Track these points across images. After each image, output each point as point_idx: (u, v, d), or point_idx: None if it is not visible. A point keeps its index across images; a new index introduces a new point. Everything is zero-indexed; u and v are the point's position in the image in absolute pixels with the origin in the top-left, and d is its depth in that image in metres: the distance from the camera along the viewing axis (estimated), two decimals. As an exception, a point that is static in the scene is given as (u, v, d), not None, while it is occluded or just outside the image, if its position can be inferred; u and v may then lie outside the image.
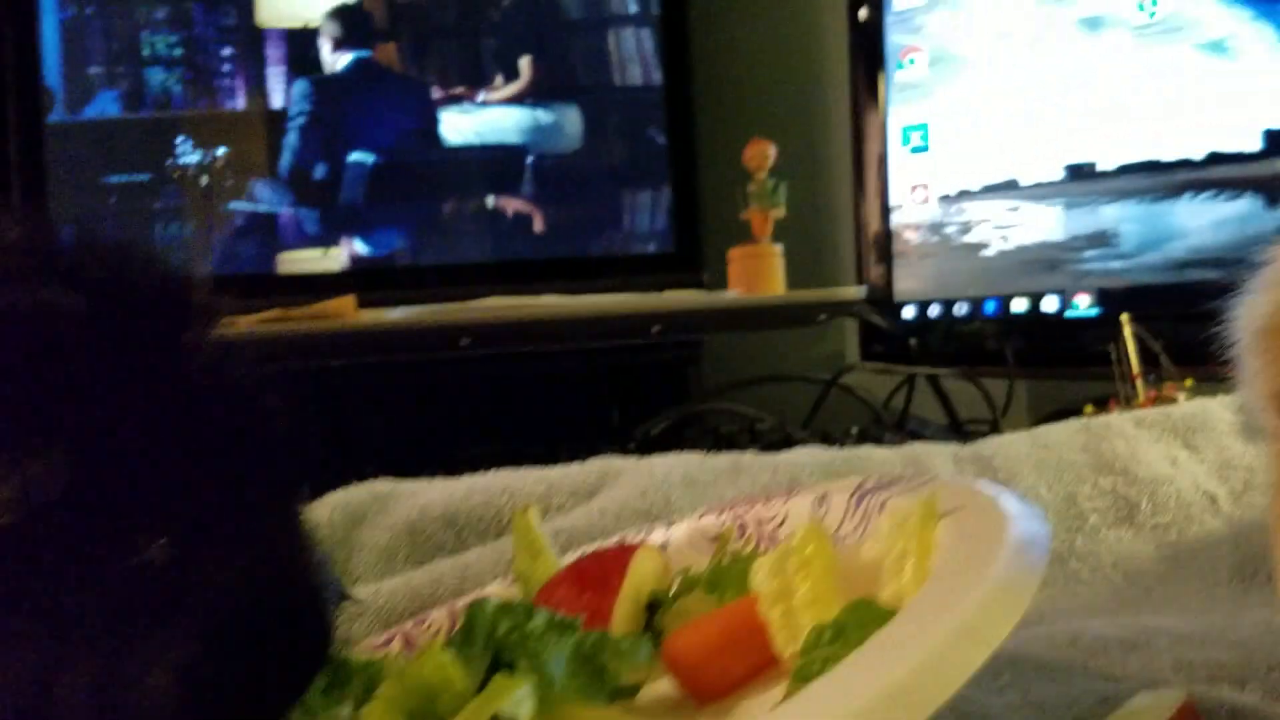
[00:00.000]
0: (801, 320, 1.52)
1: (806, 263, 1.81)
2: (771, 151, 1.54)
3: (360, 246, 1.94)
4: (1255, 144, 1.37)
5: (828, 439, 1.38)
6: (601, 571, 0.61)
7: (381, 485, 0.97)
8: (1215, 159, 1.40)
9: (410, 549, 0.90)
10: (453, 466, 0.98)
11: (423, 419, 1.66)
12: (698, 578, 0.60)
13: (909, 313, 1.77)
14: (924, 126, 1.74)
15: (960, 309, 1.69)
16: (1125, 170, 1.50)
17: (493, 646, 0.48)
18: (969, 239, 1.70)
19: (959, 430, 1.64)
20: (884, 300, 1.78)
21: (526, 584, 0.65)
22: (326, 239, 1.93)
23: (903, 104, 1.76)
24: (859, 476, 0.67)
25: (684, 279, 1.76)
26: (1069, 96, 1.58)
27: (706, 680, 0.50)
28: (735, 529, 0.70)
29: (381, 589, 0.82)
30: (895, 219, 1.77)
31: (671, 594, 0.61)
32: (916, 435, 1.50)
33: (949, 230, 1.72)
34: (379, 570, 0.89)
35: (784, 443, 1.19)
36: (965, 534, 0.46)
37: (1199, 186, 1.42)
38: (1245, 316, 0.56)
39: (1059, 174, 1.58)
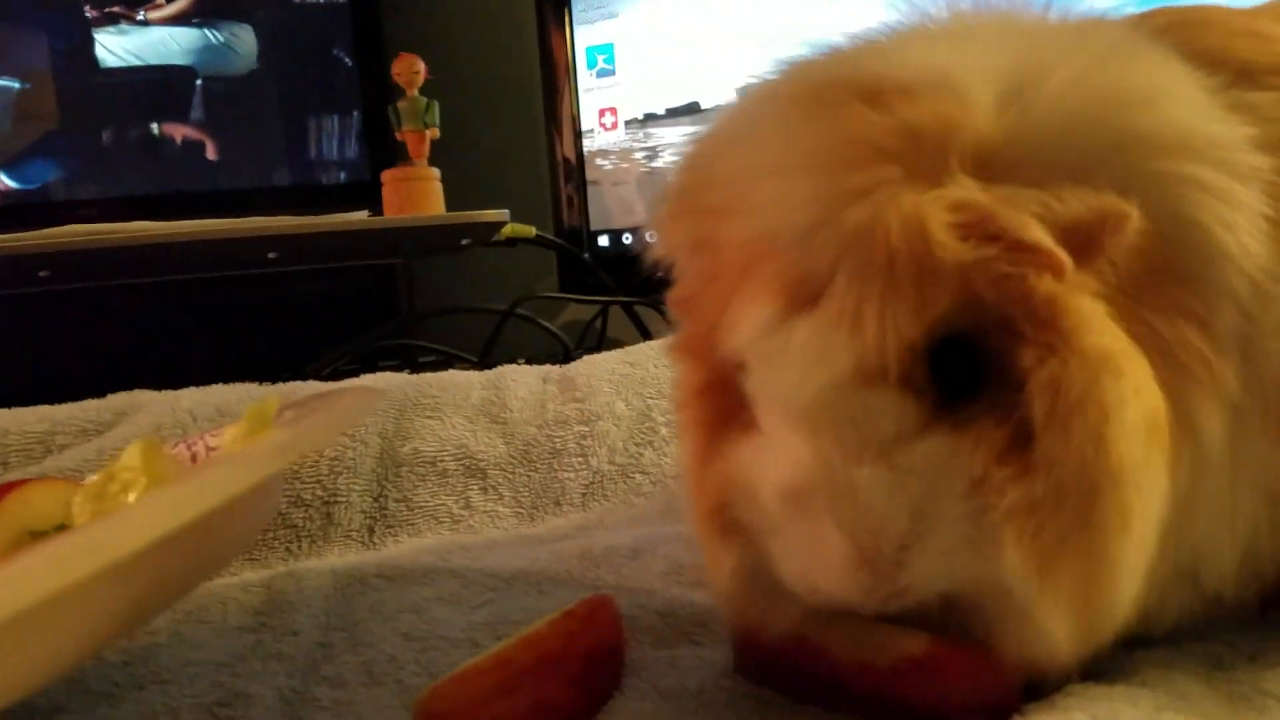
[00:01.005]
0: (447, 245, 1.46)
1: (501, 191, 1.75)
2: (421, 67, 1.46)
3: (6, 180, 1.78)
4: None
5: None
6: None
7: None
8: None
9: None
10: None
11: (85, 352, 1.52)
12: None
13: (604, 241, 1.74)
14: (609, 48, 1.70)
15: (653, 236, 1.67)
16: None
17: None
18: (657, 165, 1.67)
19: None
20: (577, 230, 1.74)
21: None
22: (-31, 173, 1.76)
23: (587, 25, 1.71)
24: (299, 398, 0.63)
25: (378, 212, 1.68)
26: (751, 16, 1.56)
27: None
28: (188, 456, 0.65)
29: None
30: (586, 145, 1.73)
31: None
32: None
33: (637, 156, 1.69)
34: None
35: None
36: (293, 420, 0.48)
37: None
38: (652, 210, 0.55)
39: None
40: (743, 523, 0.50)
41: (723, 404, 0.51)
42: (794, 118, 0.48)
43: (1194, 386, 0.48)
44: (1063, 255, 0.43)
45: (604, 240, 1.74)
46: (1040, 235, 0.43)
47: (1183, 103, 0.52)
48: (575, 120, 1.71)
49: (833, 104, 0.47)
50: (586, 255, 1.74)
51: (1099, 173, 0.47)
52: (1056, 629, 0.45)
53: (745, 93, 0.54)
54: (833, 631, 0.52)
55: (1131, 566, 0.45)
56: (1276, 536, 0.56)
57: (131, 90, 1.77)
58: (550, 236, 1.67)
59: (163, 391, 0.92)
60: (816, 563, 0.46)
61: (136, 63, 1.78)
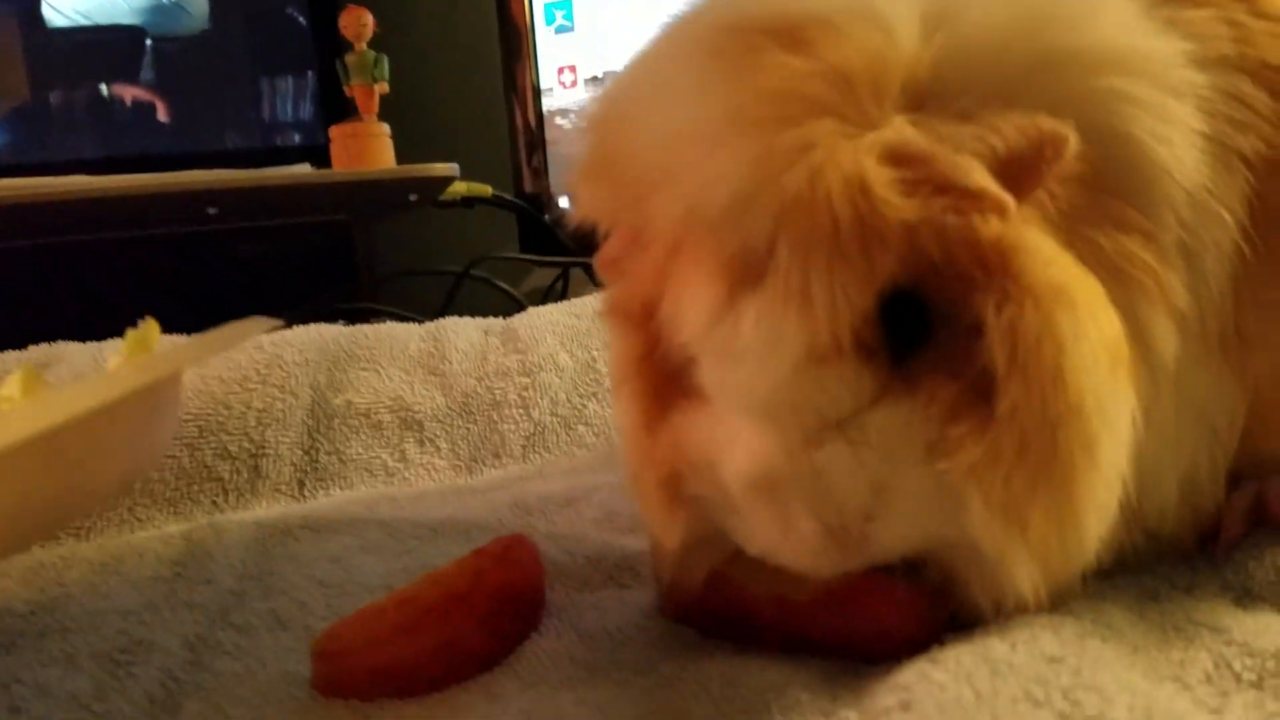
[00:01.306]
0: (395, 201, 1.42)
1: (461, 153, 1.72)
2: (369, 19, 1.43)
3: (-52, 143, 1.73)
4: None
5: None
6: None
7: None
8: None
9: None
10: None
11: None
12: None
13: (566, 203, 1.71)
14: (568, 4, 1.67)
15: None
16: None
17: None
18: (618, 123, 1.64)
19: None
20: (537, 193, 1.71)
21: None
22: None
23: (546, -20, 1.68)
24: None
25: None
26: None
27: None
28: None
29: None
30: (546, 104, 1.70)
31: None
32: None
33: (598, 114, 1.66)
34: None
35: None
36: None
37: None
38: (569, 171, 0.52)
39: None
40: (694, 496, 0.48)
41: (664, 370, 0.48)
42: (708, 71, 0.45)
43: (1144, 300, 0.47)
44: (1006, 196, 0.41)
45: (565, 202, 1.71)
46: (983, 179, 0.41)
47: (1114, 19, 0.49)
48: (534, 79, 1.68)
49: (749, 51, 0.44)
50: (546, 217, 1.71)
51: (1030, 93, 0.45)
52: (1025, 577, 0.43)
53: (652, 39, 0.51)
54: (751, 568, 0.50)
55: (1100, 504, 0.44)
56: (1215, 467, 0.55)
57: (80, 51, 1.72)
58: (508, 196, 1.64)
59: (85, 343, 0.89)
60: (786, 543, 0.44)
61: (85, 22, 1.73)
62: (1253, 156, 0.50)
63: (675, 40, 0.50)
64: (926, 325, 0.44)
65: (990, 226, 0.42)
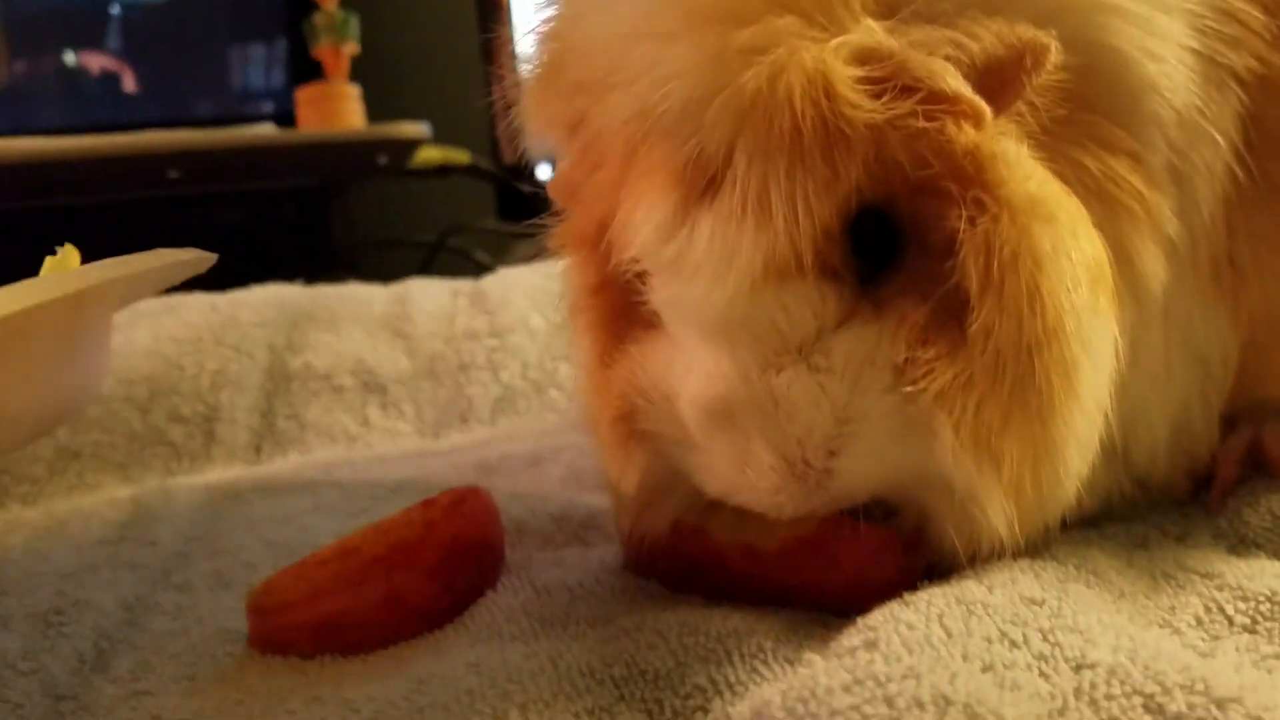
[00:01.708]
0: (364, 164, 1.38)
1: (442, 123, 1.68)
2: (336, -23, 1.39)
3: (-95, 114, 1.68)
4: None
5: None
6: None
7: None
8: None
9: None
10: None
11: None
12: None
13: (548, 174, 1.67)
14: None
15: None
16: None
17: None
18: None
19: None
20: (517, 164, 1.67)
21: None
22: None
23: (524, -56, 1.64)
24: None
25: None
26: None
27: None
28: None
29: None
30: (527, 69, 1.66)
31: None
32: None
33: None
34: None
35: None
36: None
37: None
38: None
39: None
40: (651, 431, 0.45)
41: (621, 301, 0.45)
42: None
43: (1131, 224, 0.44)
44: (981, 102, 0.38)
45: (548, 173, 1.68)
46: (956, 83, 0.38)
47: None
48: (513, 43, 1.64)
49: None
50: (526, 188, 1.68)
51: (1013, 3, 0.42)
52: (1000, 514, 0.40)
53: None
54: (718, 516, 0.47)
55: (1080, 437, 0.41)
56: (1208, 408, 0.52)
57: (45, 19, 1.67)
58: (484, 165, 1.61)
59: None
60: (743, 478, 0.41)
61: (50, -10, 1.69)
62: (1245, 75, 0.47)
63: None
64: (896, 245, 0.41)
65: (965, 134, 0.39)
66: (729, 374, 0.40)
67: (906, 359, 0.40)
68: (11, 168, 1.16)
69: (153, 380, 0.80)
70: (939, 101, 0.38)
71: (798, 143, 0.37)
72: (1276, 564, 0.45)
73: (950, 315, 0.40)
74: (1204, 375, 0.50)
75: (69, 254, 0.46)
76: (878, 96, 0.38)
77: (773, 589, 0.46)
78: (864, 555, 0.44)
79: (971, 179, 0.39)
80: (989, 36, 0.40)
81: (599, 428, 0.47)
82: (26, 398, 0.40)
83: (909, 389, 0.40)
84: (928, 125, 0.38)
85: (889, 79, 0.38)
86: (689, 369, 0.41)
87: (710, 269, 0.39)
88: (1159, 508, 0.52)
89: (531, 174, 1.69)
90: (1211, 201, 0.47)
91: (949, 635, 0.35)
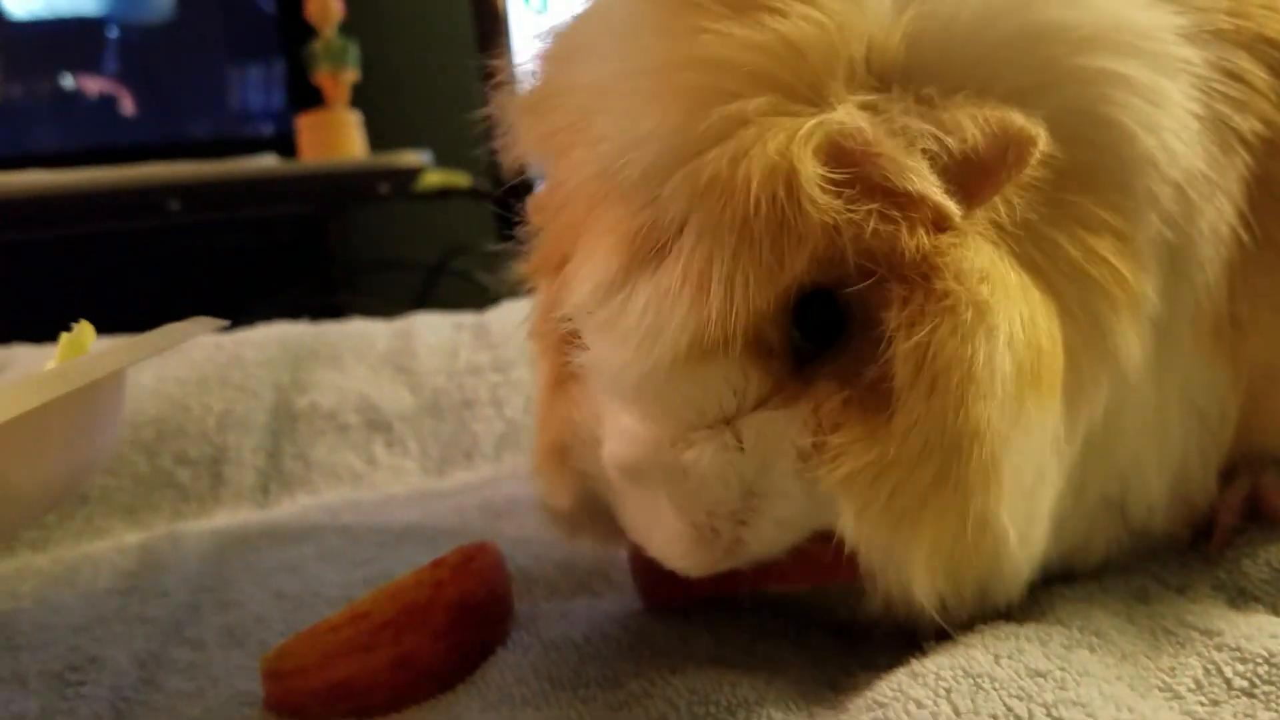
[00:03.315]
0: (365, 192, 1.39)
1: (440, 146, 1.68)
2: (335, 5, 1.39)
3: (-95, 138, 1.68)
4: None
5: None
6: None
7: None
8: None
9: None
10: None
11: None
12: None
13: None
14: (543, -12, 1.64)
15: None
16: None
17: None
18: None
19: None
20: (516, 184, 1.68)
21: None
22: None
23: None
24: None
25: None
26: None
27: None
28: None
29: None
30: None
31: None
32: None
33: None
34: None
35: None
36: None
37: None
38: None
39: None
40: (581, 470, 0.46)
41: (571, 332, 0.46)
42: (645, 25, 0.42)
43: (1109, 305, 0.44)
44: (948, 205, 0.38)
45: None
46: (924, 184, 0.38)
47: None
48: (511, 64, 1.65)
49: (694, 8, 0.41)
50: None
51: (1012, 73, 0.42)
52: (921, 581, 0.40)
53: None
54: None
55: (1009, 522, 0.41)
56: (1206, 459, 0.53)
57: (42, 42, 1.68)
58: (484, 188, 1.61)
59: (41, 345, 0.86)
60: (656, 535, 0.43)
61: (46, 14, 1.69)
62: (1251, 136, 0.47)
63: None
64: (842, 327, 0.41)
65: (917, 238, 0.39)
66: (643, 439, 0.41)
67: (814, 443, 0.40)
68: (17, 199, 1.17)
69: (159, 422, 0.80)
70: (903, 203, 0.38)
71: (748, 228, 0.38)
72: (1274, 620, 0.46)
73: (875, 403, 0.40)
74: (1202, 429, 0.51)
75: (84, 331, 0.47)
76: (837, 195, 0.38)
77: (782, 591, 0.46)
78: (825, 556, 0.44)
79: (916, 281, 0.39)
80: (972, 127, 0.39)
81: (536, 453, 0.48)
82: (40, 477, 0.40)
83: (813, 473, 0.40)
84: (881, 227, 0.38)
85: (854, 177, 0.38)
86: (609, 429, 0.42)
87: (636, 339, 0.39)
88: (1159, 557, 0.53)
89: (530, 194, 1.69)
90: (1215, 261, 0.48)
91: (957, 713, 0.36)
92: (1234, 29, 0.48)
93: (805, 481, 0.41)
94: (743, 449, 0.41)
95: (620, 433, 0.42)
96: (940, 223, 0.39)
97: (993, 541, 0.41)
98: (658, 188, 0.39)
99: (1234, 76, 0.47)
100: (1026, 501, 0.42)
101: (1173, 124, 0.45)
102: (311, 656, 0.47)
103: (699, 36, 0.40)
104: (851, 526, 0.40)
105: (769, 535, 0.42)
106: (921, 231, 0.39)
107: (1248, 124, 0.47)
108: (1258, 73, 0.48)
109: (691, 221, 0.39)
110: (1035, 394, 0.41)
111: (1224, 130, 0.47)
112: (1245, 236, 0.48)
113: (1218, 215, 0.47)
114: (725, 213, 0.38)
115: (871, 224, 0.38)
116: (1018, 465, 0.41)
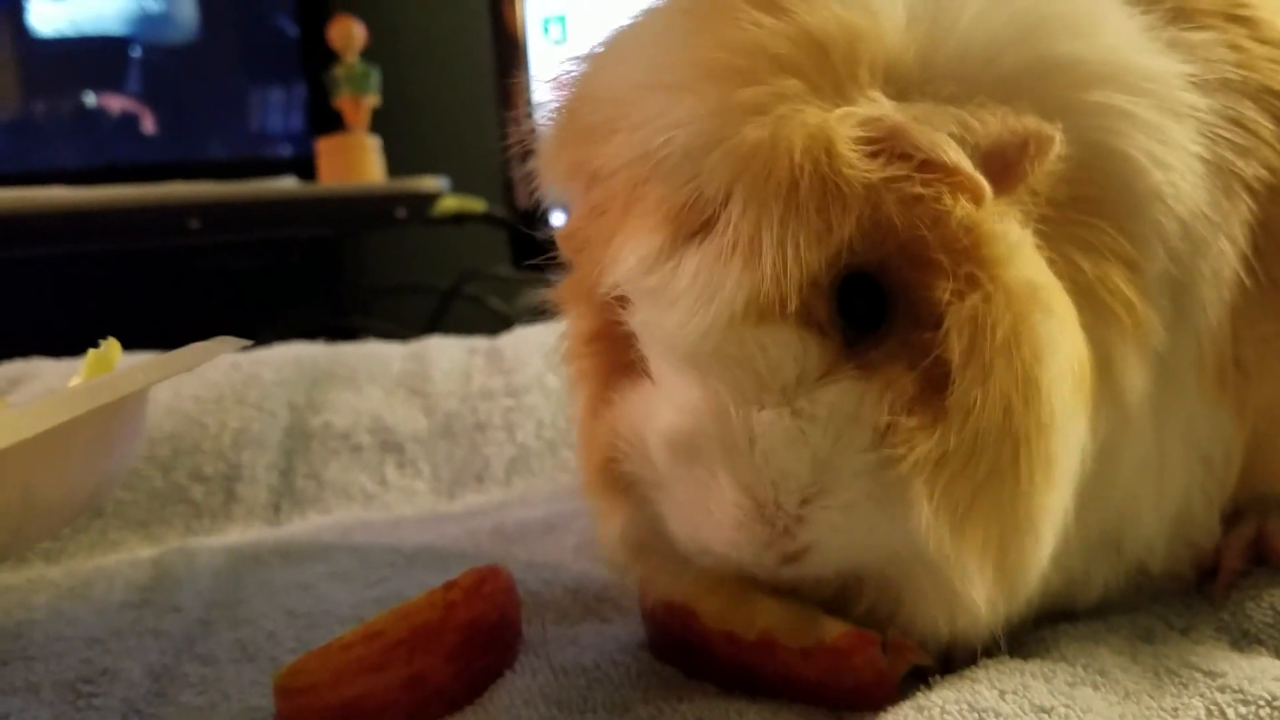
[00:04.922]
0: (382, 217, 1.40)
1: (457, 169, 1.70)
2: (358, 31, 1.41)
3: (-70, 154, 1.70)
4: None
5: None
6: None
7: None
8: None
9: None
10: None
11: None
12: None
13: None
14: (563, 18, 1.65)
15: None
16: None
17: None
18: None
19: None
20: (531, 209, 1.69)
21: None
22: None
23: (540, -6, 1.66)
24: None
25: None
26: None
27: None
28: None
29: None
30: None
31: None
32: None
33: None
34: None
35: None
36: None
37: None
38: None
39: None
40: (632, 478, 0.46)
41: (615, 352, 0.47)
42: (681, 27, 0.44)
43: (1115, 332, 0.45)
44: (981, 180, 0.39)
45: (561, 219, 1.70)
46: (958, 156, 0.39)
47: (1116, 33, 0.48)
48: (529, 93, 1.67)
49: (724, 11, 0.43)
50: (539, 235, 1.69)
51: (1020, 98, 0.43)
52: (973, 590, 0.40)
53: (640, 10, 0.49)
54: (706, 600, 0.48)
55: (1054, 522, 0.42)
56: (1210, 502, 0.53)
57: (66, 61, 1.70)
58: (499, 214, 1.63)
59: (60, 360, 0.87)
60: (708, 517, 0.42)
61: (71, 33, 1.72)
62: (1255, 183, 0.48)
63: (657, 6, 0.48)
64: (883, 311, 0.42)
65: (961, 207, 0.40)
66: (698, 408, 0.41)
67: (889, 423, 0.40)
68: (39, 215, 1.19)
69: (175, 439, 0.81)
70: (938, 171, 0.39)
71: (794, 194, 0.39)
72: (1277, 663, 0.46)
73: (934, 388, 0.40)
74: (1206, 471, 0.51)
75: (110, 348, 0.48)
76: (877, 157, 0.39)
77: (753, 678, 0.46)
78: (838, 654, 0.44)
79: (964, 253, 0.40)
80: (994, 120, 0.41)
81: (585, 475, 0.48)
82: (66, 489, 0.41)
83: (888, 453, 0.40)
84: (924, 191, 0.39)
85: (890, 142, 0.39)
86: (663, 403, 0.42)
87: (691, 298, 0.40)
88: (1164, 598, 0.53)
89: (545, 220, 1.71)
90: (1218, 305, 0.48)
91: (961, 748, 0.36)
92: (1241, 79, 0.49)
93: (878, 461, 0.40)
94: (816, 418, 0.40)
95: (672, 406, 0.41)
96: (975, 196, 0.40)
97: (1039, 547, 0.41)
98: (699, 163, 0.40)
99: (1239, 124, 0.48)
100: (1064, 507, 0.42)
101: (1179, 163, 0.46)
102: (324, 674, 0.48)
103: (731, 30, 0.42)
104: (923, 518, 0.39)
105: (831, 520, 0.41)
106: (963, 199, 0.40)
107: (1252, 170, 0.48)
108: (1263, 122, 0.49)
109: (736, 192, 0.40)
110: (1083, 391, 0.42)
111: (1228, 175, 0.48)
112: (1248, 281, 0.48)
113: (1221, 258, 0.48)
114: (770, 182, 0.39)
115: (913, 187, 0.39)
116: (1070, 467, 0.41)
